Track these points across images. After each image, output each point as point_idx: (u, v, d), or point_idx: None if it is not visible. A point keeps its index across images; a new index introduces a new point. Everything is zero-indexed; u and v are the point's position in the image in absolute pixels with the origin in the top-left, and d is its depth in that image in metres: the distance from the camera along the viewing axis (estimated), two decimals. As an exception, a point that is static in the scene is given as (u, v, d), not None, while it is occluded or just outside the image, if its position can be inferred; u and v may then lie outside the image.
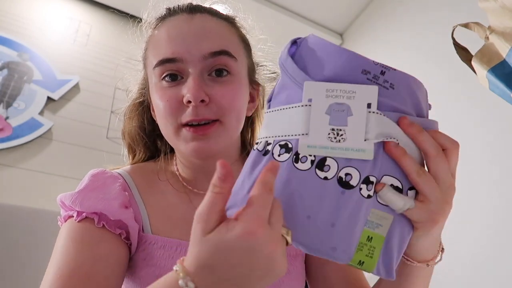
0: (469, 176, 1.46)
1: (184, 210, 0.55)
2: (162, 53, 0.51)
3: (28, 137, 1.47)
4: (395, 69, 0.36)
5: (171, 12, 0.56)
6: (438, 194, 0.35)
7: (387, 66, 0.35)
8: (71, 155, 1.54)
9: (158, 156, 0.62)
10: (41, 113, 1.57)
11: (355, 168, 0.33)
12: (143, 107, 0.61)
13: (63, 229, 0.49)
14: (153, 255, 0.49)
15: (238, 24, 0.61)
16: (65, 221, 0.49)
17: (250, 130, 0.66)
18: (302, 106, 0.34)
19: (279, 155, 0.34)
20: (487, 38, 0.84)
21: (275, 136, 0.35)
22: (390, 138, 0.33)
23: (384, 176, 0.34)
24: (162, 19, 0.57)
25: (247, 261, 0.29)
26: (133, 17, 2.45)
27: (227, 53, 0.51)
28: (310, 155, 0.33)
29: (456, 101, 1.60)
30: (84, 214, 0.47)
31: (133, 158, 0.63)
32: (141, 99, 0.62)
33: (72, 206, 0.48)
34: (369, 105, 0.33)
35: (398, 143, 0.34)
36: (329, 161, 0.33)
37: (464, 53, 0.93)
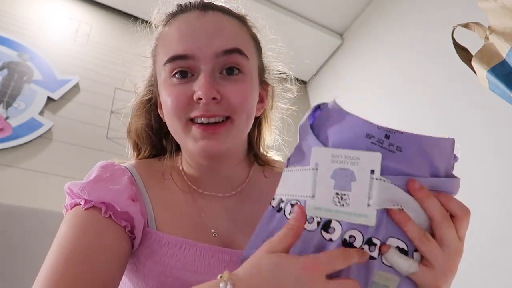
0: (470, 176, 1.46)
1: (189, 210, 0.55)
2: (173, 49, 0.50)
3: (28, 137, 1.47)
4: (402, 132, 0.35)
5: (182, 9, 0.55)
6: (442, 260, 0.35)
7: (392, 129, 0.35)
8: (71, 155, 1.54)
9: (163, 154, 0.61)
10: (41, 113, 1.57)
11: (359, 231, 0.34)
12: (151, 105, 0.61)
13: (68, 216, 0.48)
14: (157, 252, 0.49)
15: (250, 23, 0.60)
16: (71, 208, 0.49)
17: (257, 131, 0.65)
18: (310, 169, 0.36)
19: (289, 214, 0.37)
20: (487, 38, 0.84)
21: (288, 195, 0.38)
22: (395, 204, 0.34)
23: (390, 238, 0.35)
24: (173, 15, 0.56)
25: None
26: (133, 17, 2.46)
27: (239, 52, 0.51)
28: (317, 217, 0.35)
29: (456, 101, 1.60)
30: (92, 203, 0.47)
31: (137, 156, 0.63)
32: (149, 96, 0.61)
33: (80, 194, 0.48)
34: (372, 171, 0.34)
35: (403, 209, 0.34)
36: (334, 223, 0.35)
37: (464, 53, 0.93)
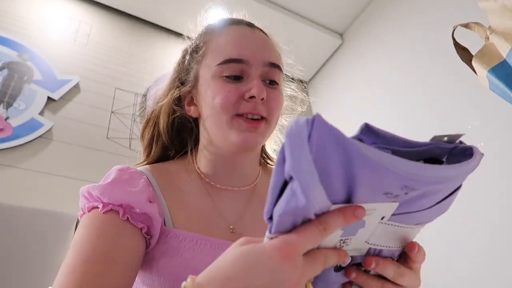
0: (470, 176, 1.46)
1: (203, 205, 0.59)
2: (228, 53, 0.57)
3: (28, 137, 1.47)
4: (421, 177, 0.30)
5: (233, 22, 0.63)
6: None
7: (414, 188, 0.30)
8: (71, 155, 1.54)
9: (171, 157, 0.66)
10: (41, 113, 1.57)
11: (350, 256, 0.35)
12: (175, 104, 0.64)
13: (86, 219, 0.50)
14: (173, 247, 0.51)
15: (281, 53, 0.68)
16: (89, 211, 0.50)
17: None
18: None
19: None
20: (487, 38, 0.84)
21: None
22: (387, 246, 0.36)
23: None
24: (224, 25, 0.63)
25: (267, 280, 0.28)
26: (133, 17, 2.46)
27: (279, 68, 0.60)
28: None
29: (456, 101, 1.60)
30: (110, 206, 0.49)
31: (147, 156, 0.67)
32: (177, 94, 0.64)
33: (100, 197, 0.50)
34: (382, 217, 0.33)
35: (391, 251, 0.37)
36: None
37: (464, 53, 0.93)
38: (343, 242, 0.33)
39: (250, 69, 0.56)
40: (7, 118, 1.47)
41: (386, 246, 0.36)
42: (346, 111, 2.31)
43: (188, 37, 0.71)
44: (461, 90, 1.59)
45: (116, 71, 1.92)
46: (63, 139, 1.56)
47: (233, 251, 0.31)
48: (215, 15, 2.46)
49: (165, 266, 0.50)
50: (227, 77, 0.56)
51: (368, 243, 0.35)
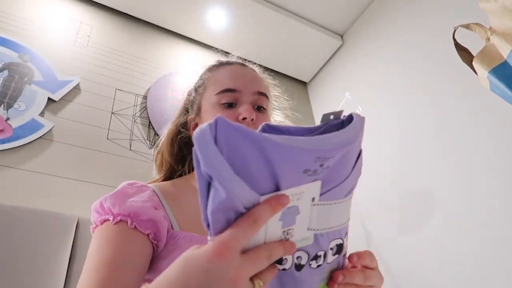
0: (470, 177, 1.46)
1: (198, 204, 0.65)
2: (225, 84, 0.70)
3: (28, 138, 1.47)
4: (333, 157, 0.33)
5: (228, 62, 0.77)
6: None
7: (326, 157, 0.32)
8: (71, 156, 1.54)
9: (173, 177, 0.77)
10: (41, 114, 1.57)
11: (304, 251, 0.37)
12: (180, 131, 0.78)
13: (99, 231, 0.56)
14: (180, 246, 0.56)
15: (270, 87, 0.82)
16: (101, 224, 0.56)
17: None
18: None
19: None
20: (488, 39, 0.84)
21: None
22: (330, 227, 0.38)
23: (332, 242, 0.39)
24: (220, 66, 0.77)
25: (204, 281, 0.29)
26: (134, 19, 2.46)
27: (266, 96, 0.72)
28: None
29: (456, 103, 1.60)
30: (119, 217, 0.55)
31: (160, 176, 0.78)
32: (183, 120, 0.78)
33: (110, 209, 0.56)
34: (313, 199, 0.35)
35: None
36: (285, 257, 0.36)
37: (465, 54, 0.92)
38: (287, 234, 0.35)
39: (242, 97, 0.69)
40: (7, 119, 1.47)
41: (329, 228, 0.38)
42: (346, 111, 2.30)
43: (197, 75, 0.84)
44: (461, 92, 1.59)
45: (116, 72, 1.92)
46: (64, 140, 1.56)
47: (180, 257, 0.32)
48: (215, 16, 2.46)
49: (170, 263, 0.53)
50: (223, 104, 0.68)
51: (311, 230, 0.36)
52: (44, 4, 1.94)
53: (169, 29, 2.33)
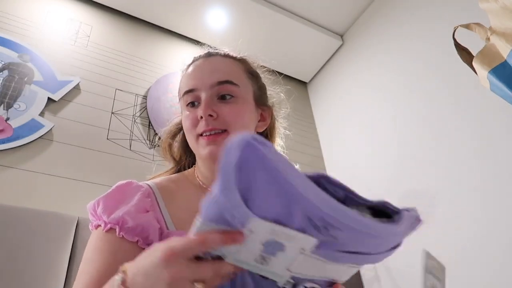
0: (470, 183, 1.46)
1: (198, 201, 0.67)
2: (186, 86, 0.70)
3: (28, 138, 1.47)
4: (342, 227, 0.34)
5: (195, 59, 0.75)
6: None
7: (332, 224, 0.33)
8: (71, 156, 1.54)
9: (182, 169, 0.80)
10: (41, 114, 1.57)
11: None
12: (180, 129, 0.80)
13: (93, 236, 0.59)
14: None
15: (247, 61, 0.78)
16: (96, 228, 0.59)
17: None
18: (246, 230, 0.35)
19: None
20: (488, 39, 0.84)
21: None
22: (310, 276, 0.39)
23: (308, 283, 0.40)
24: (189, 65, 0.75)
25: (151, 271, 0.37)
26: (133, 19, 2.45)
27: (230, 82, 0.68)
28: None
29: (457, 100, 1.60)
30: (109, 225, 0.57)
31: (175, 165, 0.80)
32: (180, 125, 0.79)
33: (101, 216, 0.58)
34: (302, 249, 0.35)
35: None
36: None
37: (465, 54, 0.92)
38: (263, 259, 0.36)
39: (200, 94, 0.68)
40: (7, 119, 1.47)
41: (309, 276, 0.39)
42: (346, 112, 2.31)
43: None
44: (461, 90, 1.59)
45: (116, 72, 1.92)
46: (64, 140, 1.56)
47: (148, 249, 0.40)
48: (215, 16, 2.46)
49: None
50: (187, 105, 0.69)
51: (289, 271, 0.38)
52: (44, 4, 1.94)
53: (169, 29, 2.33)
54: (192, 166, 0.78)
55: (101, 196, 0.61)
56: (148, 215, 0.58)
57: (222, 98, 0.67)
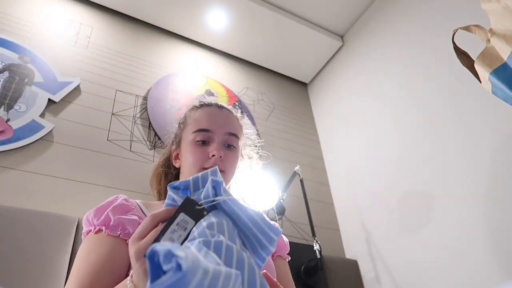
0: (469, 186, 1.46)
1: None
2: (202, 124, 0.82)
3: (29, 139, 1.47)
4: None
5: (207, 104, 0.89)
6: None
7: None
8: (72, 157, 1.54)
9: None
10: (42, 115, 1.57)
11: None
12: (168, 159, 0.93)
13: (85, 241, 0.67)
14: None
15: (242, 121, 0.92)
16: (87, 234, 0.68)
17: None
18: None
19: None
20: (488, 40, 0.84)
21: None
22: None
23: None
24: (200, 106, 0.89)
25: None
26: (134, 20, 2.45)
27: (236, 136, 0.84)
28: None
29: (458, 102, 1.60)
30: (97, 228, 0.66)
31: (158, 198, 0.92)
32: (167, 155, 0.93)
33: (93, 221, 0.68)
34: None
35: None
36: None
37: (464, 58, 0.93)
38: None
39: (214, 136, 0.81)
40: (8, 120, 1.47)
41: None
42: (346, 112, 2.31)
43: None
44: (461, 91, 1.59)
45: (116, 73, 1.93)
46: (64, 141, 1.56)
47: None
48: (216, 17, 2.46)
49: None
50: (198, 141, 0.80)
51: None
52: (44, 6, 1.95)
53: (169, 30, 2.33)
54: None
55: (94, 208, 0.71)
56: (128, 214, 0.69)
57: (228, 146, 0.82)
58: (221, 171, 0.78)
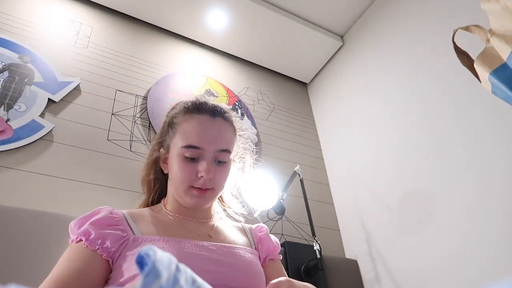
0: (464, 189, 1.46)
1: (167, 221, 0.81)
2: (191, 140, 0.78)
3: (29, 139, 1.47)
4: None
5: (198, 110, 0.82)
6: None
7: None
8: (72, 157, 1.54)
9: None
10: (42, 115, 1.57)
11: None
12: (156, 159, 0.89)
13: (69, 247, 0.69)
14: (141, 244, 0.68)
15: (237, 126, 0.87)
16: (71, 242, 0.69)
17: None
18: None
19: None
20: (488, 41, 0.84)
21: None
22: None
23: None
24: (191, 112, 0.82)
25: None
26: (134, 20, 2.46)
27: (228, 151, 0.81)
28: None
29: (457, 102, 1.60)
30: (78, 237, 0.67)
31: (147, 198, 0.91)
32: (156, 155, 0.88)
33: (74, 230, 0.69)
34: None
35: None
36: None
37: (464, 58, 0.93)
38: None
39: (204, 153, 0.78)
40: (7, 120, 1.48)
41: None
42: (346, 112, 2.31)
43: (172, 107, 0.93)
44: (461, 90, 1.59)
45: (116, 73, 1.93)
46: (64, 141, 1.56)
47: None
48: (216, 17, 2.46)
49: (131, 260, 0.65)
50: (186, 157, 0.78)
51: None
52: (44, 6, 1.95)
53: (169, 30, 2.33)
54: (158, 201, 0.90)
55: (78, 217, 0.71)
56: (110, 227, 0.69)
57: (219, 163, 0.80)
58: (210, 189, 0.79)
